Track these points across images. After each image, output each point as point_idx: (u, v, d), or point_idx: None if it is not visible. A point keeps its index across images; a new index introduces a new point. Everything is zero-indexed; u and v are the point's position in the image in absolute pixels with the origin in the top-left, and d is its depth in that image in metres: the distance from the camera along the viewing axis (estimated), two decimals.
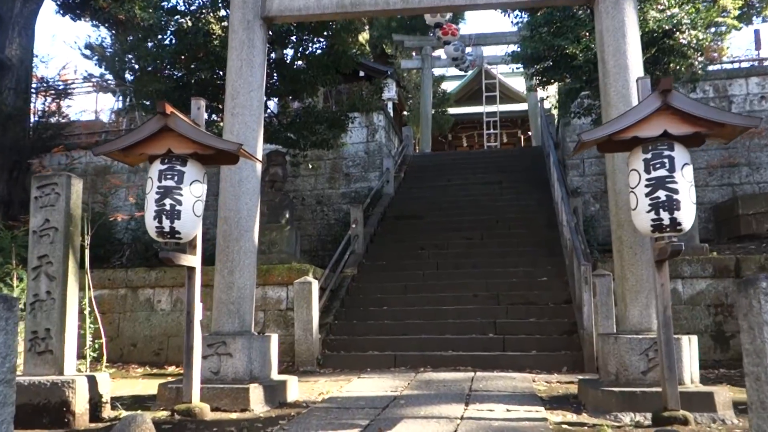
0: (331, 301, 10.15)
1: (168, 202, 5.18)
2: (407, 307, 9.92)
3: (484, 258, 11.23)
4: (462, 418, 5.19)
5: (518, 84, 29.33)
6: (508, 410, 5.53)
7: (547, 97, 14.59)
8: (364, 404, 5.89)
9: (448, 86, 30.85)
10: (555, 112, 19.89)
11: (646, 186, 4.92)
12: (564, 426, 5.05)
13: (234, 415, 5.51)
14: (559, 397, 6.39)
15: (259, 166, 6.68)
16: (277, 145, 10.56)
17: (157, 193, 5.21)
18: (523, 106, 28.28)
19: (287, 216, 9.96)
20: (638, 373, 5.67)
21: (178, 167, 5.25)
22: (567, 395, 6.49)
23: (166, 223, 5.19)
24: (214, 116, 10.41)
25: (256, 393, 5.76)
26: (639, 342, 5.70)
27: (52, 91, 16.81)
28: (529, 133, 28.03)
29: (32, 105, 15.81)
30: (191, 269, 5.58)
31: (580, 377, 7.44)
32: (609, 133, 5.03)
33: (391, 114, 17.84)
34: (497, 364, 8.30)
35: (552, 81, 11.17)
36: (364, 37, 22.52)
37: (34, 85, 15.97)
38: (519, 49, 11.26)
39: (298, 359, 8.60)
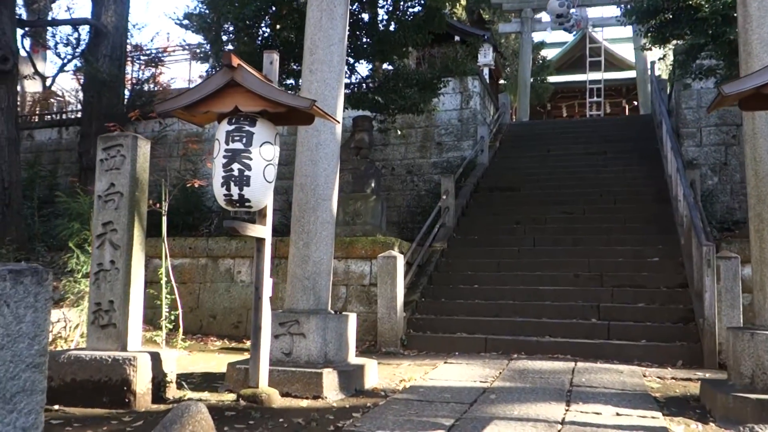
0: (418, 277, 9.53)
1: (236, 166, 4.65)
2: (500, 286, 9.16)
3: (587, 235, 10.25)
4: (563, 422, 4.44)
5: (624, 51, 27.50)
6: (618, 414, 4.73)
7: (662, 57, 13.19)
8: (449, 397, 5.23)
9: (548, 53, 29.31)
10: (666, 76, 18.27)
11: None
12: None
13: (305, 403, 5.01)
14: (677, 399, 5.50)
15: (338, 129, 6.07)
16: (364, 110, 9.94)
17: (224, 156, 4.69)
18: (629, 74, 26.44)
19: (373, 185, 9.36)
20: None
21: (247, 127, 4.69)
22: (686, 397, 5.60)
23: (234, 191, 4.67)
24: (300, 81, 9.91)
25: (330, 378, 5.22)
26: None
27: (147, 59, 16.88)
28: (635, 102, 26.22)
29: (127, 73, 15.93)
30: (260, 241, 5.07)
31: (703, 376, 6.53)
32: (760, 84, 4.06)
33: (487, 80, 16.87)
34: (601, 353, 7.44)
35: (670, 38, 9.94)
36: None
37: (128, 53, 16.07)
38: (632, 5, 10.09)
39: (380, 339, 8.05)
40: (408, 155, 14.44)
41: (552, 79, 28.04)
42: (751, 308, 7.67)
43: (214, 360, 7.24)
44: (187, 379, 5.67)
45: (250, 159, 4.66)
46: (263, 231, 5.05)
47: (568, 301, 8.58)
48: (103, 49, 14.51)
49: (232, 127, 4.72)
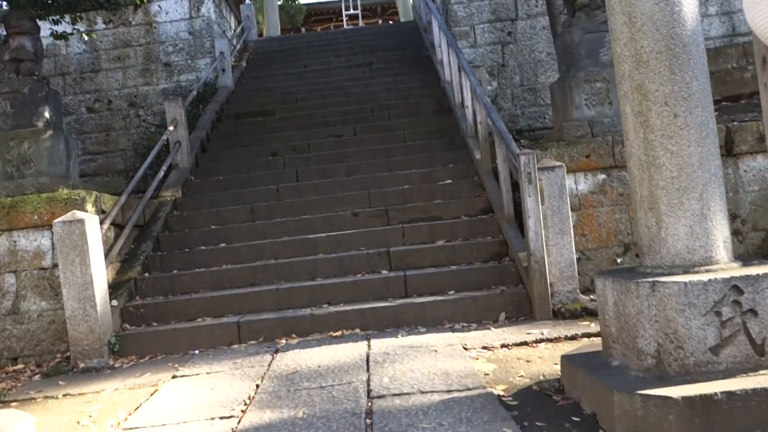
0: (139, 243, 6.65)
1: None
2: (257, 240, 6.65)
3: (362, 160, 8.06)
4: None
5: None
6: None
7: None
8: None
9: None
10: None
11: None
12: None
13: None
14: (533, 397, 3.49)
15: None
16: (20, 7, 6.55)
17: None
18: None
19: (47, 115, 6.15)
20: (703, 352, 2.84)
21: None
22: (542, 387, 3.60)
23: None
24: None
25: None
26: (703, 289, 2.83)
27: None
28: (390, 22, 24.83)
29: None
30: None
31: (541, 335, 4.67)
32: None
33: None
34: (400, 318, 5.30)
35: None
36: None
37: None
38: None
39: (75, 348, 5.14)
40: (128, 82, 11.10)
41: (304, 0, 25.73)
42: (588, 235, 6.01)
43: None
44: None
45: None
46: None
47: (348, 249, 6.34)
48: None
49: None
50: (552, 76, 10.40)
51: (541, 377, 3.79)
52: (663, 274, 3.03)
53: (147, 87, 11.05)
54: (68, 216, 5.17)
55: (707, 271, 2.98)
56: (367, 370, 4.09)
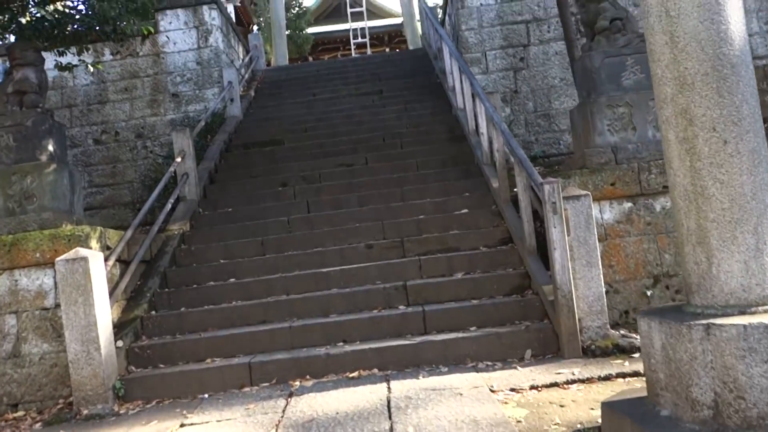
0: (145, 280, 6.41)
1: None
2: (268, 275, 6.40)
3: (375, 190, 7.83)
4: None
5: None
6: None
7: None
8: None
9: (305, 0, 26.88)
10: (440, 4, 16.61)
11: None
12: None
13: None
14: None
15: None
16: (25, 37, 6.40)
17: None
18: (391, 21, 25.06)
19: (51, 148, 5.95)
20: (767, 403, 2.55)
21: None
22: None
23: None
24: None
25: None
26: (765, 332, 2.56)
27: None
28: (397, 50, 24.89)
29: None
30: None
31: (572, 375, 4.38)
32: None
33: (233, 19, 13.77)
34: (420, 358, 5.02)
35: None
36: None
37: None
38: None
39: (77, 394, 4.88)
40: (135, 113, 10.97)
41: (311, 30, 25.87)
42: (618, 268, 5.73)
43: None
44: None
45: None
46: None
47: (363, 284, 6.08)
48: None
49: None
50: (566, 102, 10.21)
51: (579, 425, 3.50)
52: (716, 315, 2.76)
53: (154, 118, 10.92)
54: (71, 254, 4.94)
55: (766, 312, 2.71)
56: (389, 418, 3.81)
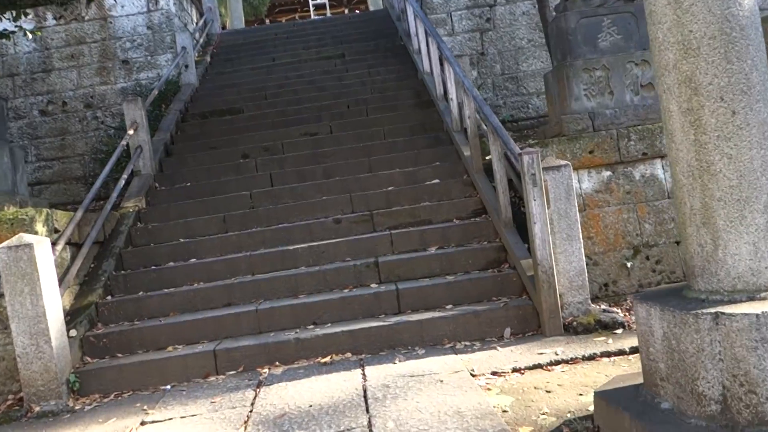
0: (99, 262, 6.01)
1: None
2: (231, 254, 6.06)
3: (341, 160, 7.49)
4: None
5: None
6: None
7: None
8: None
9: None
10: None
11: None
12: None
13: None
14: None
15: None
16: None
17: None
18: None
19: None
20: None
21: None
22: (574, 429, 3.11)
23: None
24: None
25: None
26: None
27: None
28: (357, 11, 24.19)
29: None
30: None
31: (556, 356, 4.20)
32: None
33: None
34: (396, 339, 4.79)
35: None
36: None
37: None
38: None
39: (28, 390, 4.53)
40: (83, 82, 10.35)
41: None
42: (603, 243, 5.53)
43: None
44: None
45: None
46: None
47: (332, 261, 5.80)
48: None
49: None
50: (534, 64, 9.95)
51: (569, 414, 3.31)
52: (723, 302, 2.55)
53: (104, 86, 10.32)
54: (14, 240, 4.53)
55: None
56: (367, 411, 3.56)
